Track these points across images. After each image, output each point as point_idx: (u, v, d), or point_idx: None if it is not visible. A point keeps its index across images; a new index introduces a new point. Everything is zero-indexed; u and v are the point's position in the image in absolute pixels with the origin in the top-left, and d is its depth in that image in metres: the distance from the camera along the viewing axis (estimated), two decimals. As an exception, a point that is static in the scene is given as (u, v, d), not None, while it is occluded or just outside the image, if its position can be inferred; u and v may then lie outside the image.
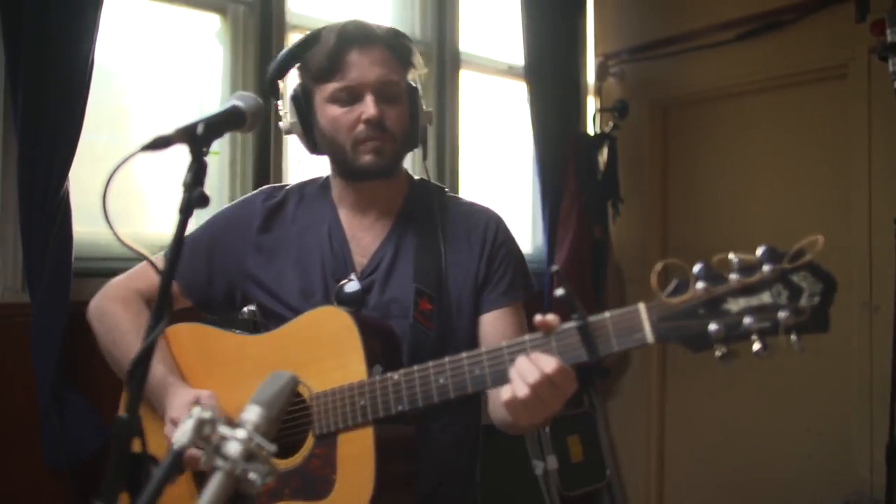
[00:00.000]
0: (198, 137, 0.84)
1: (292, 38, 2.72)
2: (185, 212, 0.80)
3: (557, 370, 0.99)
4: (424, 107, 1.41)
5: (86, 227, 2.18)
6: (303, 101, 1.36)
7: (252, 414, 0.74)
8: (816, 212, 3.05)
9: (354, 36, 1.32)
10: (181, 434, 0.68)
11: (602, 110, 3.60)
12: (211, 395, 1.29)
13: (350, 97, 1.32)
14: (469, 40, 3.31)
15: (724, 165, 3.36)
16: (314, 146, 1.39)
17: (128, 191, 2.46)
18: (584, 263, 3.36)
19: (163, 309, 0.75)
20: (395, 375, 1.14)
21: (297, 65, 1.36)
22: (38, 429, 2.03)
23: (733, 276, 0.90)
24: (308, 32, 1.37)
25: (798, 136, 3.12)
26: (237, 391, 1.28)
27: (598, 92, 3.66)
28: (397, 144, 1.35)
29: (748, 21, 3.09)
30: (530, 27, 3.27)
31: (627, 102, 3.47)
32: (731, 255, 0.91)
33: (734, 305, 0.91)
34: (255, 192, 1.51)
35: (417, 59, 1.40)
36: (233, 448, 0.71)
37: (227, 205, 1.55)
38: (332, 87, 1.32)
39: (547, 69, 3.30)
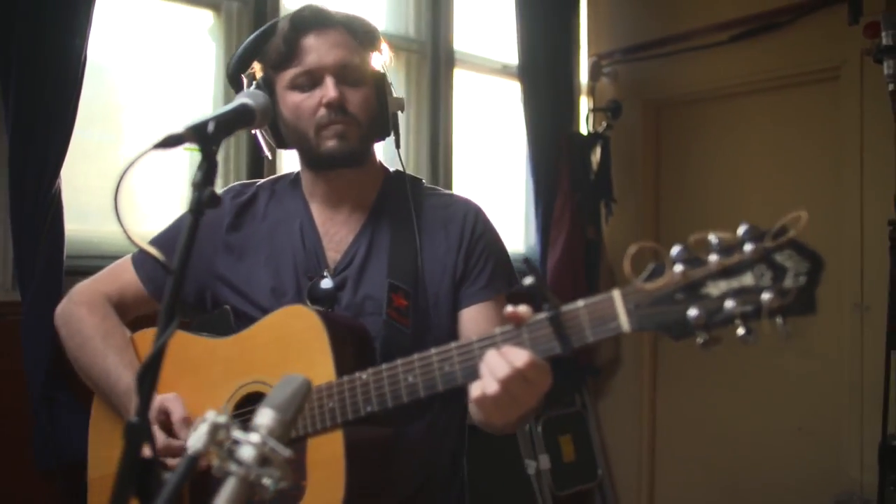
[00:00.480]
0: (208, 136, 0.83)
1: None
2: (196, 212, 0.78)
3: (528, 363, 0.94)
4: (394, 93, 1.35)
5: (77, 225, 2.15)
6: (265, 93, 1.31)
7: (266, 418, 0.72)
8: (809, 212, 3.05)
9: (310, 20, 1.29)
10: (195, 439, 0.67)
11: (595, 110, 3.60)
12: (176, 398, 1.24)
13: (310, 82, 1.28)
14: (463, 39, 3.30)
15: (717, 165, 3.37)
16: (280, 139, 1.35)
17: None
18: (577, 263, 3.36)
19: (173, 311, 0.73)
20: (364, 375, 1.09)
21: (258, 57, 1.33)
22: (29, 428, 2.01)
23: (713, 258, 0.85)
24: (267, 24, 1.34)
25: (791, 137, 3.14)
26: (208, 395, 1.25)
27: (592, 92, 3.66)
28: (362, 129, 1.29)
29: (742, 22, 3.11)
30: (524, 26, 3.27)
31: (620, 102, 3.48)
32: (711, 235, 0.86)
33: (714, 289, 0.85)
34: (224, 189, 1.46)
35: (381, 44, 1.36)
36: (247, 452, 0.69)
37: None
38: (290, 73, 1.28)
39: (541, 69, 3.29)
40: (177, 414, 1.21)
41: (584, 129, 3.60)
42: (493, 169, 3.54)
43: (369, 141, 1.33)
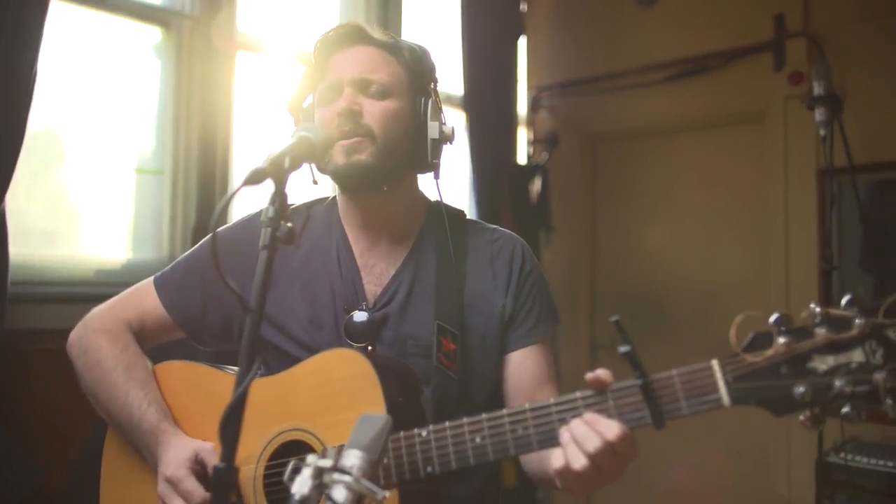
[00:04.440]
0: (284, 170, 0.80)
1: (240, 57, 2.64)
2: (271, 248, 0.75)
3: (620, 436, 0.87)
4: (444, 122, 1.26)
5: (21, 249, 2.01)
6: (310, 118, 1.27)
7: (355, 458, 0.71)
8: (738, 245, 3.27)
9: (336, 38, 1.25)
10: (301, 484, 0.65)
11: (535, 142, 3.71)
12: (213, 450, 1.16)
13: (334, 95, 1.22)
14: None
15: (651, 197, 3.55)
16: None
17: (63, 211, 2.30)
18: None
19: (253, 354, 0.70)
20: (424, 432, 0.99)
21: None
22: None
23: (819, 331, 0.81)
24: None
25: (720, 174, 3.35)
26: (241, 440, 1.17)
27: (531, 124, 3.77)
28: (377, 143, 1.19)
29: (675, 64, 3.31)
30: (470, 58, 3.34)
31: (558, 135, 3.61)
32: (813, 305, 0.82)
33: (821, 364, 0.81)
34: (255, 212, 1.36)
35: (431, 68, 1.29)
36: (341, 495, 0.68)
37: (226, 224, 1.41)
38: (319, 90, 1.25)
39: (485, 100, 3.37)
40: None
41: (523, 160, 3.71)
42: (435, 197, 3.56)
43: (390, 161, 1.21)
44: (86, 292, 1.99)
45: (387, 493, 0.68)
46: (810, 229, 2.91)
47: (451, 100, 3.51)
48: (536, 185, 3.63)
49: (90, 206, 2.31)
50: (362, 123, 1.19)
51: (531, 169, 3.64)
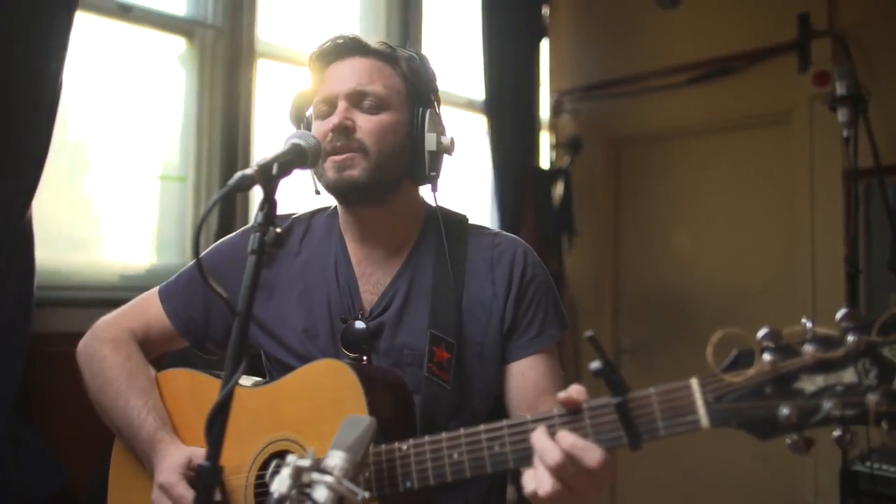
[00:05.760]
0: (272, 177, 0.82)
1: (261, 65, 2.69)
2: (259, 253, 0.77)
3: (600, 461, 0.83)
4: (443, 133, 1.25)
5: (47, 255, 2.07)
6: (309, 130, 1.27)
7: (338, 459, 0.72)
8: (763, 248, 3.22)
9: (332, 50, 1.25)
10: (279, 483, 0.66)
11: (557, 146, 3.70)
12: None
13: (329, 108, 1.21)
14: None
15: (675, 201, 3.51)
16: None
17: (89, 217, 2.36)
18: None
19: (240, 355, 0.72)
20: (404, 446, 0.96)
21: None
22: (-9, 470, 1.90)
23: (807, 348, 0.75)
24: None
25: (745, 176, 3.30)
26: (233, 448, 1.15)
27: (553, 128, 3.76)
28: (370, 158, 1.18)
29: (698, 66, 3.27)
30: (491, 63, 3.35)
31: (581, 139, 3.59)
32: (804, 320, 0.76)
33: (809, 384, 0.75)
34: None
35: (431, 78, 1.28)
36: (322, 494, 0.69)
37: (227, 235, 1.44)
38: (315, 101, 1.24)
39: (506, 104, 3.37)
40: None
41: (545, 164, 3.70)
42: (458, 202, 3.57)
43: (384, 176, 1.21)
44: (110, 297, 2.02)
45: (367, 494, 0.69)
46: (836, 232, 2.85)
47: (472, 104, 3.53)
48: (559, 190, 3.61)
49: (115, 212, 2.37)
50: (355, 138, 1.19)
51: (554, 173, 3.63)
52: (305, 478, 0.67)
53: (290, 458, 0.67)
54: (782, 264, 3.05)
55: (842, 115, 2.34)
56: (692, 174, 3.44)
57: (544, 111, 3.75)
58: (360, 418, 0.77)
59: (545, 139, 3.76)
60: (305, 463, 0.67)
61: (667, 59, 3.38)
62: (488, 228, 1.36)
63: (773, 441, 0.78)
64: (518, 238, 1.33)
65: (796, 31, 3.00)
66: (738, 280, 3.24)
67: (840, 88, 2.35)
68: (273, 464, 0.73)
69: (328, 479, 0.70)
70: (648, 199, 3.61)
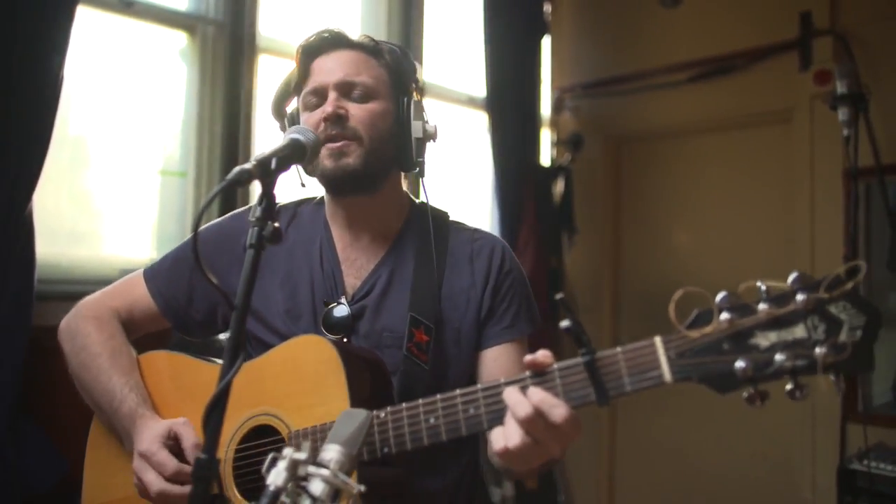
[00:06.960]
0: (270, 172, 0.82)
1: (262, 61, 2.69)
2: (257, 247, 0.78)
3: (566, 416, 0.87)
4: (427, 121, 1.30)
5: (48, 249, 2.08)
6: (296, 122, 1.31)
7: (333, 452, 0.73)
8: (763, 247, 3.22)
9: (318, 43, 1.29)
10: (276, 476, 0.67)
11: (558, 143, 3.70)
12: (186, 423, 1.19)
13: (318, 100, 1.25)
14: (431, 70, 3.35)
15: (675, 200, 3.51)
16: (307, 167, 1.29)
17: (89, 212, 2.36)
18: (540, 293, 3.42)
19: (238, 350, 0.72)
20: (382, 414, 1.01)
21: (295, 90, 1.32)
22: (-9, 462, 1.91)
23: (762, 307, 0.81)
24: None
25: (746, 175, 3.30)
26: None
27: (554, 125, 3.76)
28: (364, 146, 1.23)
29: (700, 64, 3.27)
30: (492, 60, 3.35)
31: (582, 136, 3.59)
32: (759, 283, 0.82)
33: (763, 340, 0.81)
34: (246, 207, 1.42)
35: (412, 68, 1.32)
36: (318, 488, 0.70)
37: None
38: (303, 94, 1.28)
39: (507, 101, 3.37)
40: (188, 440, 1.16)
41: (546, 161, 3.70)
42: (458, 199, 3.58)
43: (377, 163, 1.25)
44: (110, 291, 2.05)
45: (362, 488, 0.69)
46: (836, 231, 2.85)
47: (473, 101, 3.53)
48: (559, 187, 3.62)
49: (116, 206, 2.38)
50: (349, 126, 1.23)
51: (554, 170, 3.63)
52: (301, 471, 0.67)
53: (287, 451, 0.68)
54: (782, 263, 3.05)
55: (842, 114, 2.35)
56: (693, 172, 3.44)
57: (545, 108, 3.74)
58: (355, 412, 0.77)
59: (546, 136, 3.76)
60: (302, 456, 0.68)
61: (668, 56, 3.38)
62: (468, 225, 1.41)
63: (730, 394, 0.83)
64: (496, 236, 1.39)
65: (798, 30, 3.00)
66: (738, 278, 3.21)
67: (841, 87, 2.35)
68: (269, 457, 0.74)
69: (324, 472, 0.70)
70: (649, 197, 3.61)
